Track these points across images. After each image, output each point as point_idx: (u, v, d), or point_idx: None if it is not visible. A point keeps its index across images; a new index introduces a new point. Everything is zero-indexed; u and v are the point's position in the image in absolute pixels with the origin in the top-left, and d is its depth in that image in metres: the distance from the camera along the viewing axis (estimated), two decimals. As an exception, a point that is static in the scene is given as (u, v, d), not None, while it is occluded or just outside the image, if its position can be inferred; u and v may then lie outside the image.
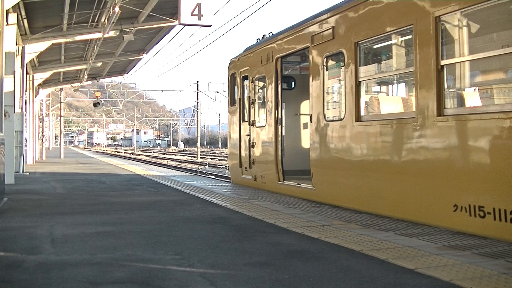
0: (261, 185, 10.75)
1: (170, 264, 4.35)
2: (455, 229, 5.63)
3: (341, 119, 7.84)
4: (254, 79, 11.16)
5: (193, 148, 79.25)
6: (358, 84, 7.43)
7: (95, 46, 19.87)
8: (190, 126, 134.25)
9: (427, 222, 6.06)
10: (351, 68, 7.49)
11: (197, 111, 52.29)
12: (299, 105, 11.21)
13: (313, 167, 8.57)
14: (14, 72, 13.25)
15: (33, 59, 19.67)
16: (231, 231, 5.99)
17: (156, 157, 51.24)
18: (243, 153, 11.79)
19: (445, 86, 6.01)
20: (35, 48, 17.55)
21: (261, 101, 11.15)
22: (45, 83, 29.30)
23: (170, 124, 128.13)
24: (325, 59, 8.30)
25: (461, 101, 6.39)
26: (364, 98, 7.54)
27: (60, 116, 38.56)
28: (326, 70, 8.35)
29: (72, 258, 4.58)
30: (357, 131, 7.43)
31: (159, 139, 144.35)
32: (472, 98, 6.44)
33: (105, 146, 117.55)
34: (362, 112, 7.45)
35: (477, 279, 3.82)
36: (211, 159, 44.40)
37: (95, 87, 37.94)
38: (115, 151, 75.73)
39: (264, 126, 10.64)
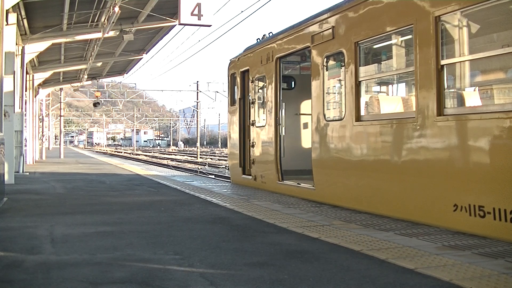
0: (261, 185, 10.75)
1: (170, 264, 4.35)
2: (455, 229, 5.63)
3: (341, 119, 7.84)
4: (254, 79, 11.15)
5: (193, 148, 79.26)
6: (358, 84, 7.43)
7: (95, 46, 19.87)
8: (190, 126, 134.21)
9: (427, 222, 6.06)
10: (351, 68, 7.49)
11: (197, 111, 52.31)
12: (299, 105, 11.22)
13: (314, 167, 8.57)
14: (14, 72, 13.24)
15: (33, 59, 19.67)
16: (231, 231, 5.99)
17: (156, 157, 51.25)
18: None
19: (445, 86, 6.01)
20: (35, 48, 17.54)
21: (261, 101, 11.15)
22: (45, 83, 29.30)
23: (170, 124, 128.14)
24: (325, 59, 8.30)
25: (461, 101, 6.39)
26: (364, 98, 7.53)
27: (60, 116, 38.55)
28: (326, 70, 8.35)
29: (72, 258, 4.58)
30: (357, 131, 7.43)
31: (159, 139, 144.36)
32: (472, 98, 6.44)
33: (105, 146, 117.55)
34: (362, 112, 7.45)
35: (477, 279, 3.82)
36: (211, 159, 44.40)
37: (95, 87, 37.95)
38: (115, 151, 75.74)
39: (264, 126, 10.63)
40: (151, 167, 21.71)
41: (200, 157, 44.92)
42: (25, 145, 18.32)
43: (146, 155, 57.93)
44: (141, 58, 24.42)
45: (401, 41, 7.31)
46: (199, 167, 30.51)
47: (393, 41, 7.43)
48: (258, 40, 11.47)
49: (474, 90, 6.58)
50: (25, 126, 18.20)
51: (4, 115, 11.48)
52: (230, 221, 6.71)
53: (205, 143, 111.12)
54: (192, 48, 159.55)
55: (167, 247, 5.01)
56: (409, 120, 6.39)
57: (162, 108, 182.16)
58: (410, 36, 6.58)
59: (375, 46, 7.79)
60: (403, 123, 6.53)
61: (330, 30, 8.02)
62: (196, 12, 11.95)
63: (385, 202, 6.84)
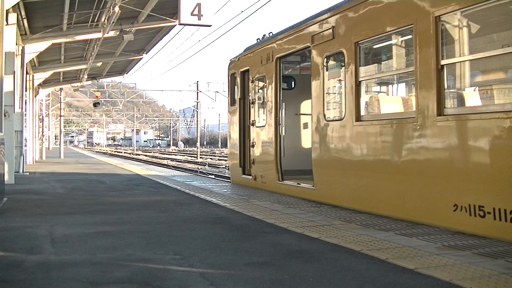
0: (261, 185, 10.75)
1: (170, 264, 4.35)
2: (455, 229, 5.63)
3: (341, 119, 7.84)
4: (254, 79, 11.15)
5: (193, 148, 79.26)
6: (358, 84, 7.43)
7: (95, 46, 19.87)
8: (190, 126, 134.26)
9: (427, 222, 6.06)
10: (351, 68, 7.49)
11: (197, 111, 52.33)
12: (299, 105, 11.22)
13: (314, 167, 8.57)
14: (14, 72, 13.24)
15: (33, 59, 19.67)
16: (231, 231, 5.99)
17: (156, 157, 51.25)
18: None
19: (445, 86, 6.01)
20: (35, 48, 17.54)
21: (261, 101, 11.15)
22: (45, 83, 29.30)
23: (170, 124, 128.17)
24: (325, 59, 8.30)
25: (461, 101, 6.39)
26: (364, 98, 7.54)
27: (60, 116, 38.55)
28: (326, 70, 8.35)
29: (72, 258, 4.58)
30: (357, 131, 7.43)
31: (159, 139, 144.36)
32: (472, 98, 6.44)
33: (105, 146, 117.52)
34: (362, 112, 7.45)
35: (477, 279, 3.82)
36: (211, 159, 44.41)
37: (95, 87, 37.97)
38: (115, 151, 75.73)
39: (264, 126, 10.63)
40: (151, 167, 21.71)
41: (200, 157, 44.92)
42: (25, 145, 18.32)
43: (146, 155, 57.92)
44: (141, 58, 24.42)
45: (401, 41, 7.31)
46: (199, 167, 30.52)
47: (393, 41, 7.43)
48: (258, 40, 11.47)
49: (474, 90, 6.58)
50: (25, 126, 18.20)
51: (4, 115, 11.48)
52: (230, 221, 6.71)
53: (205, 143, 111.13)
54: (192, 48, 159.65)
55: (167, 247, 5.01)
56: (409, 120, 6.39)
57: (162, 108, 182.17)
58: (410, 36, 6.58)
59: (375, 46, 7.79)
60: (403, 123, 6.53)
61: (330, 30, 8.02)
62: (196, 12, 11.95)
63: (385, 202, 6.84)
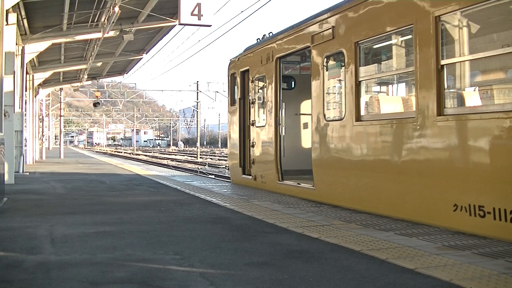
0: (261, 185, 10.75)
1: (170, 264, 4.35)
2: (455, 229, 5.63)
3: (341, 119, 7.84)
4: (254, 79, 11.15)
5: (193, 148, 79.26)
6: (358, 84, 7.43)
7: (95, 46, 19.87)
8: (190, 126, 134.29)
9: (427, 222, 6.06)
10: (351, 68, 7.49)
11: (197, 111, 52.36)
12: (299, 105, 11.22)
13: (314, 167, 8.57)
14: (14, 72, 13.24)
15: (33, 59, 19.67)
16: (231, 231, 5.99)
17: (156, 157, 51.26)
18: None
19: (445, 86, 6.01)
20: (35, 48, 17.55)
21: (261, 101, 11.15)
22: (45, 83, 29.30)
23: (170, 124, 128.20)
24: (325, 59, 8.31)
25: (461, 101, 6.40)
26: (364, 98, 7.54)
27: (60, 116, 38.56)
28: (326, 70, 8.35)
29: (72, 258, 4.58)
30: (357, 131, 7.43)
31: (159, 139, 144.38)
32: (472, 98, 6.44)
33: (105, 146, 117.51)
34: (362, 112, 7.45)
35: (477, 279, 3.82)
36: (211, 159, 44.41)
37: (95, 87, 37.97)
38: (115, 151, 75.74)
39: (264, 126, 10.64)
40: (151, 167, 21.72)
41: (200, 157, 44.93)
42: (25, 145, 18.32)
43: (146, 155, 57.93)
44: (141, 58, 24.43)
45: (401, 41, 7.31)
46: (199, 167, 30.53)
47: (393, 41, 7.43)
48: (258, 40, 11.47)
49: (474, 90, 6.59)
50: (25, 126, 18.20)
51: (4, 115, 11.48)
52: (230, 221, 6.71)
53: (205, 143, 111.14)
54: (192, 48, 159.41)
55: (167, 247, 5.01)
56: (409, 120, 6.39)
57: (162, 108, 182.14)
58: (410, 36, 6.58)
59: (375, 46, 7.79)
60: (403, 123, 6.53)
61: (330, 30, 8.02)
62: (196, 12, 11.95)
63: (385, 202, 6.84)
